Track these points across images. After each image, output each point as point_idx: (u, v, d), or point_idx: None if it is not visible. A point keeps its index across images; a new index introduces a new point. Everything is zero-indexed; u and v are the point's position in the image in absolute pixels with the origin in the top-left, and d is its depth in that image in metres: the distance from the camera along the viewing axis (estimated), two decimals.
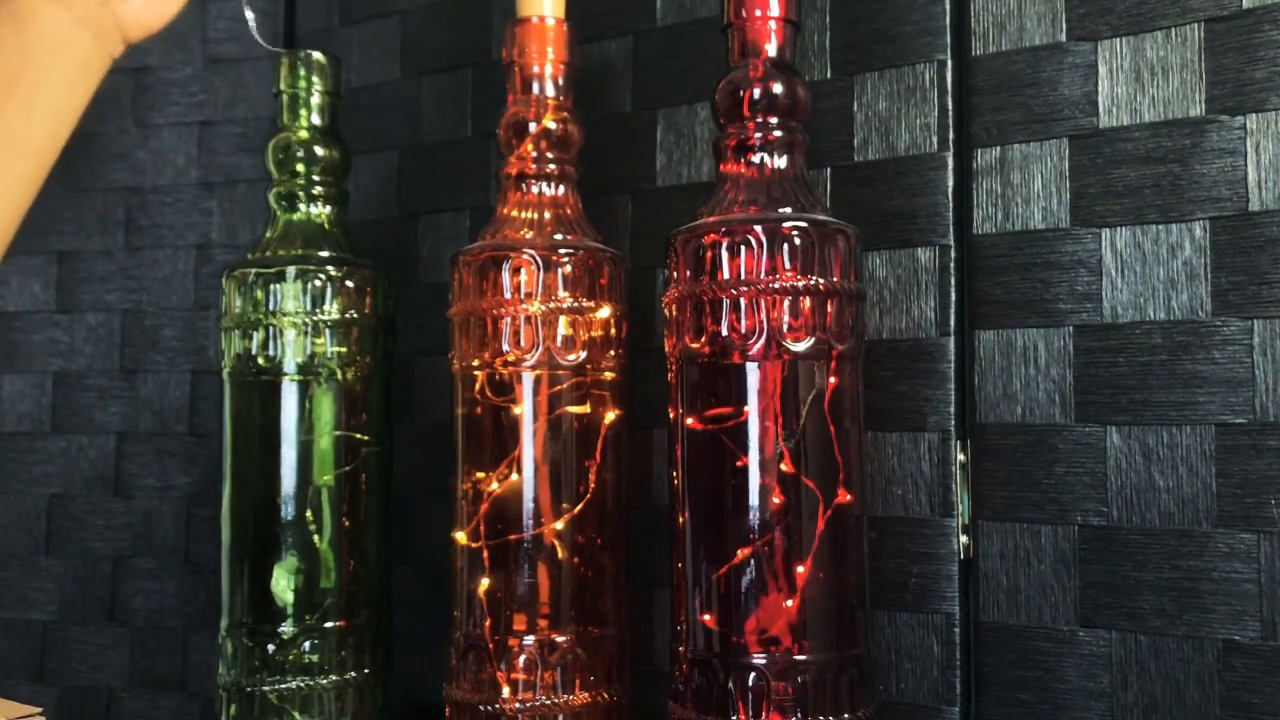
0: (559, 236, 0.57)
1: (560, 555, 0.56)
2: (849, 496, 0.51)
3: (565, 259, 0.56)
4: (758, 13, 0.53)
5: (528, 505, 0.55)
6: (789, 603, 0.49)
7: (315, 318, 0.61)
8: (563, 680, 0.55)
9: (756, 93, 0.52)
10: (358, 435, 0.63)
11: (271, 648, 0.60)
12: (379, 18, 0.76)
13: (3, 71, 0.56)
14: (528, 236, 0.57)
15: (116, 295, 0.79)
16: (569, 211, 0.59)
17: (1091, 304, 0.53)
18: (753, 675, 0.49)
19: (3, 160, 0.56)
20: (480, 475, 0.56)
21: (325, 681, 0.60)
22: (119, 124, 0.79)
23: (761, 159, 0.53)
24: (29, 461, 0.78)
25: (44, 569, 0.78)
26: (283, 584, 0.60)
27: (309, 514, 0.61)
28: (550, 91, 0.59)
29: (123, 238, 0.78)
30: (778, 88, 0.52)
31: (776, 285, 0.49)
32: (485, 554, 0.56)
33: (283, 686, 0.60)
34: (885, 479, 0.56)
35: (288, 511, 0.61)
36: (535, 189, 0.59)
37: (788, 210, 0.51)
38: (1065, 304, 0.54)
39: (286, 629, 0.60)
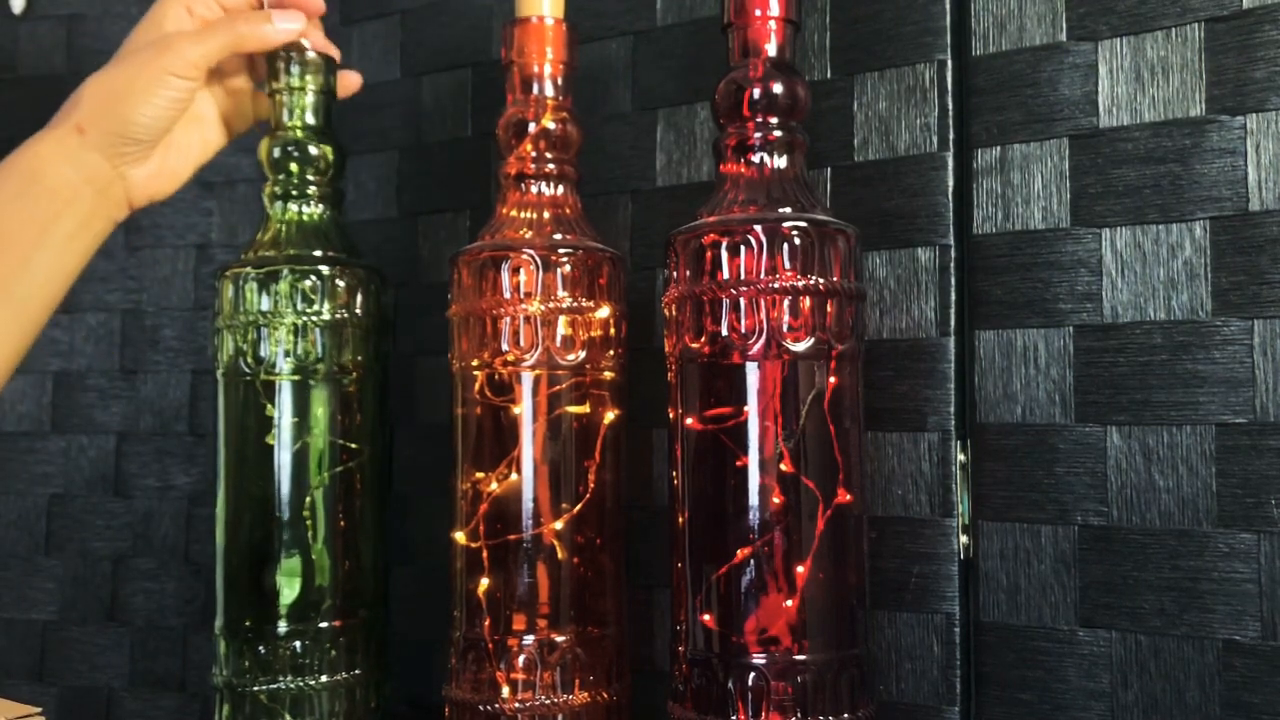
0: (558, 236, 0.57)
1: (560, 555, 0.56)
2: (849, 496, 0.50)
3: (565, 259, 0.56)
4: (758, 13, 0.53)
5: (527, 505, 0.55)
6: (789, 603, 0.49)
7: (307, 317, 0.61)
8: (562, 680, 0.55)
9: (756, 93, 0.52)
10: (352, 435, 0.62)
11: (263, 648, 0.60)
12: (379, 18, 0.76)
13: (7, 225, 0.56)
14: (527, 236, 0.57)
15: (116, 295, 0.78)
16: (569, 211, 0.59)
17: (1091, 304, 0.53)
18: (753, 675, 0.49)
19: None
20: (480, 475, 0.56)
21: (315, 682, 0.60)
22: None
23: (761, 159, 0.53)
24: (29, 461, 0.78)
25: (44, 569, 0.78)
26: (277, 584, 0.60)
27: (304, 514, 0.61)
28: (550, 91, 0.59)
29: (123, 237, 0.78)
30: (778, 87, 0.52)
31: (776, 285, 0.49)
32: (485, 554, 0.56)
33: (273, 687, 0.59)
34: (885, 479, 0.56)
35: (282, 512, 0.60)
36: (535, 189, 0.59)
37: (788, 210, 0.51)
38: (1065, 304, 0.54)
39: (278, 629, 0.60)
